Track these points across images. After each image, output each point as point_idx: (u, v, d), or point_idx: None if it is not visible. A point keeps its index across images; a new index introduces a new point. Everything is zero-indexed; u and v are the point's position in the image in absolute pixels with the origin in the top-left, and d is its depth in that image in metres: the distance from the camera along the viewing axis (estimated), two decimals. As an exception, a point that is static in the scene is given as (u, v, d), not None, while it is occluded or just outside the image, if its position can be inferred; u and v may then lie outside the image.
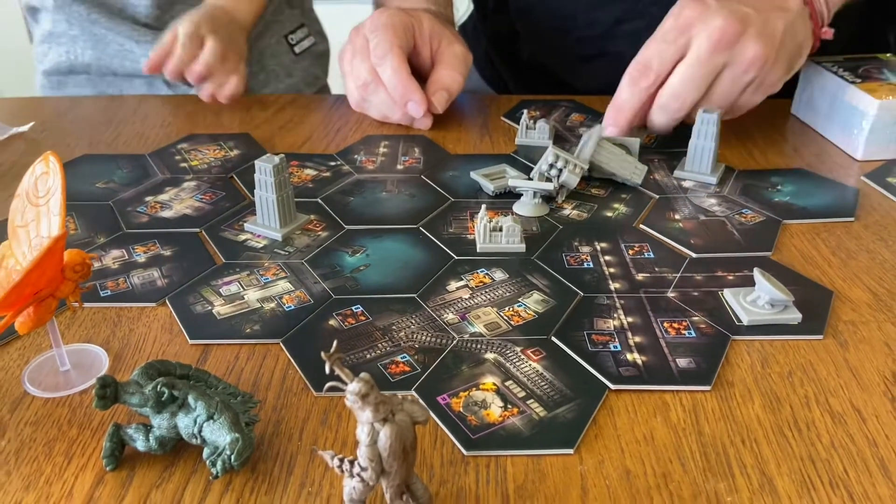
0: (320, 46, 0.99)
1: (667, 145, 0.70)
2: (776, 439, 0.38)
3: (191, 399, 0.35)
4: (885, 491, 0.36)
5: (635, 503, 0.35)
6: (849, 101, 0.68)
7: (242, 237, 0.56)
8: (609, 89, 0.84)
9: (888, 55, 0.75)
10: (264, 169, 0.54)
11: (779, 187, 0.63)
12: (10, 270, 0.42)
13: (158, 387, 0.35)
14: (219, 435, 0.35)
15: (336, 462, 0.33)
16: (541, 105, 0.79)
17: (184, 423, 0.35)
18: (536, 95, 0.82)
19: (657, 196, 0.61)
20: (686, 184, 0.63)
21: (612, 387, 0.42)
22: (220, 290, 0.50)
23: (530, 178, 0.60)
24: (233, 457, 0.34)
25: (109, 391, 0.35)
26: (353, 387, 0.31)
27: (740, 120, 0.75)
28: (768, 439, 0.38)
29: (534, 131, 0.69)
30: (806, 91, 0.75)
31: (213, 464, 0.34)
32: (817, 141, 0.71)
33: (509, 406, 0.40)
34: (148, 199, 0.61)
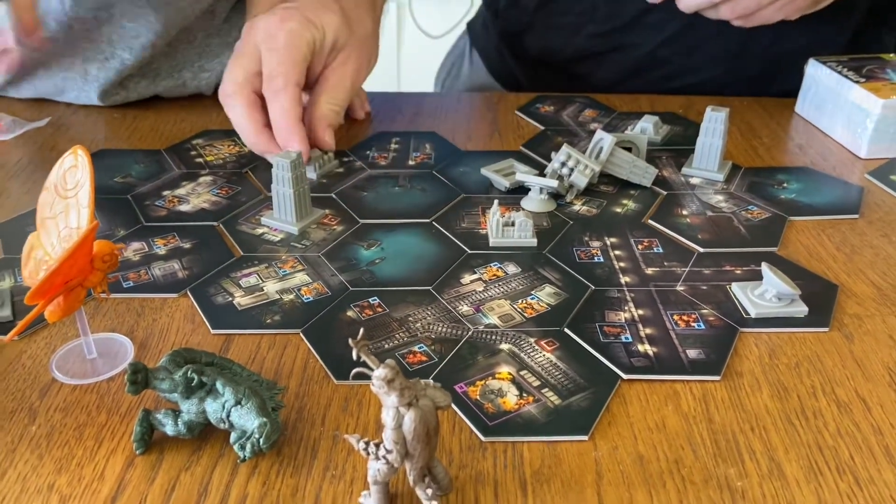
0: None
1: (675, 143, 0.71)
2: (784, 427, 0.40)
3: (219, 385, 0.37)
4: (891, 476, 0.37)
5: (649, 487, 0.36)
6: (853, 101, 0.69)
7: (259, 231, 0.57)
8: (621, 84, 0.85)
9: (891, 55, 0.76)
10: (281, 164, 0.55)
11: (784, 185, 0.64)
12: (40, 261, 0.43)
13: (188, 373, 0.36)
14: (247, 419, 0.36)
15: (362, 445, 0.34)
16: (556, 100, 0.80)
17: (212, 408, 0.37)
18: (549, 92, 0.83)
19: (665, 192, 0.62)
20: (693, 180, 0.64)
21: (625, 376, 0.43)
22: (240, 281, 0.51)
23: (543, 174, 0.61)
24: (261, 440, 0.35)
25: (140, 377, 0.36)
26: (380, 372, 0.32)
27: (746, 119, 0.76)
28: (776, 427, 0.40)
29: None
30: (810, 90, 0.76)
31: (243, 447, 0.35)
32: (821, 139, 0.72)
33: (525, 394, 0.42)
34: (165, 193, 0.62)
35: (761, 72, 0.85)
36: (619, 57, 0.85)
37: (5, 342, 0.45)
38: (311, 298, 0.49)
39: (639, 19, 0.83)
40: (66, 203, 0.42)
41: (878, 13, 0.85)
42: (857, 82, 0.70)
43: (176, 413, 0.38)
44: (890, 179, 0.65)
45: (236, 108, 0.63)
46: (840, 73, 0.72)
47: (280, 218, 0.57)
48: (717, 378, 0.43)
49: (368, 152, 0.70)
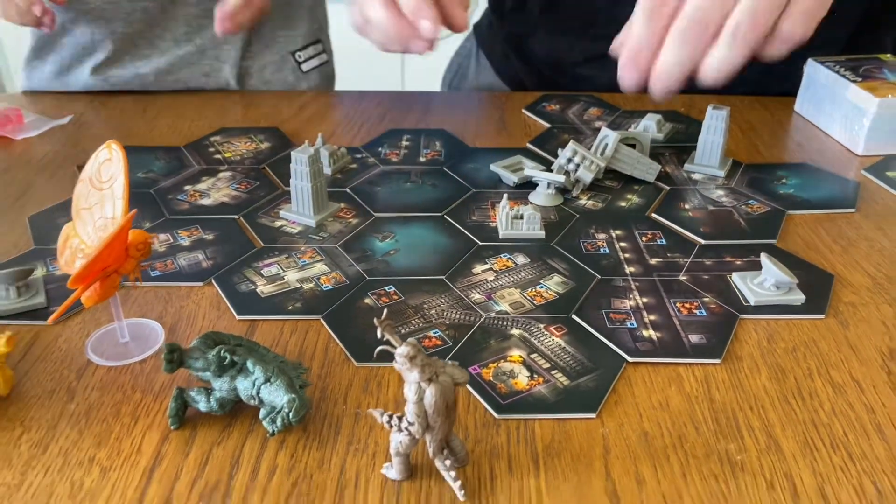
0: (328, 67, 0.99)
1: (677, 140, 0.73)
2: (781, 406, 0.42)
3: (249, 364, 0.39)
4: (882, 451, 0.39)
5: (654, 461, 0.38)
6: (850, 99, 0.72)
7: (278, 223, 0.59)
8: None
9: (888, 56, 0.79)
10: (300, 159, 0.57)
11: (783, 180, 0.66)
12: (76, 249, 0.45)
13: (221, 352, 0.39)
14: (276, 396, 0.38)
15: (385, 418, 0.36)
16: (561, 99, 0.83)
17: (243, 385, 0.39)
18: (555, 91, 0.85)
19: (668, 187, 0.65)
20: (695, 176, 0.67)
21: (630, 359, 0.45)
22: (262, 271, 0.53)
23: (550, 170, 0.63)
24: (291, 414, 0.37)
25: (176, 356, 0.39)
26: (403, 350, 0.34)
27: (747, 117, 0.79)
28: (774, 406, 0.42)
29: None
30: (809, 89, 0.78)
31: (273, 421, 0.38)
32: (820, 137, 0.75)
33: (535, 375, 0.44)
34: (187, 187, 0.64)
35: (760, 73, 0.87)
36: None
37: (49, 324, 0.47)
38: (330, 287, 0.52)
39: None
40: (101, 194, 0.44)
41: (875, 14, 0.87)
42: (854, 81, 0.72)
43: (208, 391, 0.40)
44: (886, 175, 0.67)
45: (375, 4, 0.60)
46: (838, 72, 0.74)
47: (298, 211, 0.59)
48: (717, 361, 0.45)
49: (380, 149, 0.72)
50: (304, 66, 0.94)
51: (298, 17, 0.94)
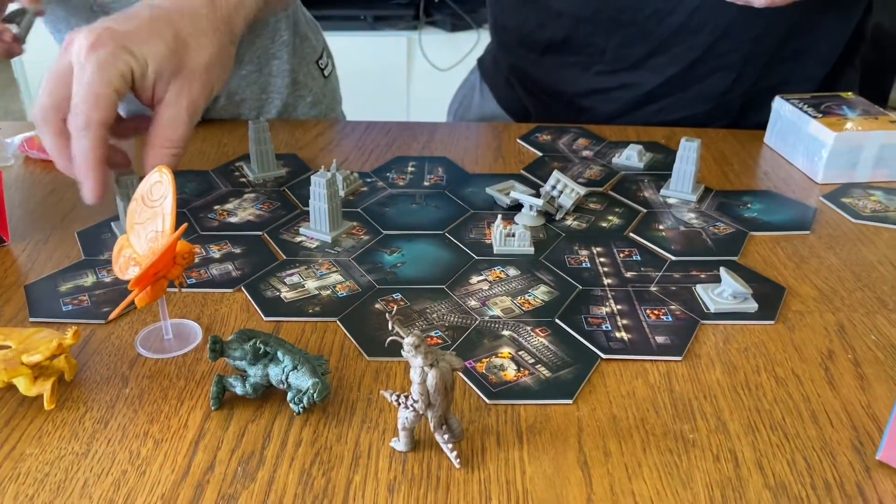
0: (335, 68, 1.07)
1: (656, 168, 0.81)
2: (730, 395, 0.49)
3: (279, 354, 0.46)
4: (813, 432, 0.46)
5: (619, 438, 0.46)
6: (811, 133, 0.80)
7: (298, 239, 0.67)
8: (622, 116, 0.95)
9: (849, 93, 0.87)
10: (319, 182, 0.65)
11: (748, 205, 0.74)
12: (129, 258, 0.53)
13: (256, 343, 0.46)
14: (302, 380, 0.45)
15: (394, 398, 0.43)
16: (553, 130, 0.91)
17: (274, 372, 0.46)
18: (551, 122, 0.93)
19: (645, 210, 0.72)
20: (671, 200, 0.74)
21: (604, 356, 0.52)
22: (285, 280, 0.61)
23: (538, 195, 0.71)
24: (315, 395, 0.45)
25: (218, 346, 0.46)
26: (409, 339, 0.42)
27: (721, 148, 0.87)
28: (724, 395, 0.49)
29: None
30: (776, 124, 0.86)
31: (300, 401, 0.45)
32: (785, 167, 0.83)
33: (521, 369, 0.51)
34: (216, 207, 0.72)
35: (743, 105, 0.95)
36: (621, 94, 0.95)
37: (110, 319, 0.55)
38: (345, 294, 0.59)
39: (643, 62, 0.93)
40: (153, 211, 0.52)
41: (853, 50, 0.95)
42: (814, 117, 0.80)
43: (244, 377, 0.47)
44: (841, 201, 0.74)
45: (46, 138, 0.62)
46: (801, 108, 0.82)
47: (316, 228, 0.67)
48: (679, 358, 0.52)
49: (388, 174, 0.80)
50: (326, 72, 1.00)
51: (305, 31, 0.99)
